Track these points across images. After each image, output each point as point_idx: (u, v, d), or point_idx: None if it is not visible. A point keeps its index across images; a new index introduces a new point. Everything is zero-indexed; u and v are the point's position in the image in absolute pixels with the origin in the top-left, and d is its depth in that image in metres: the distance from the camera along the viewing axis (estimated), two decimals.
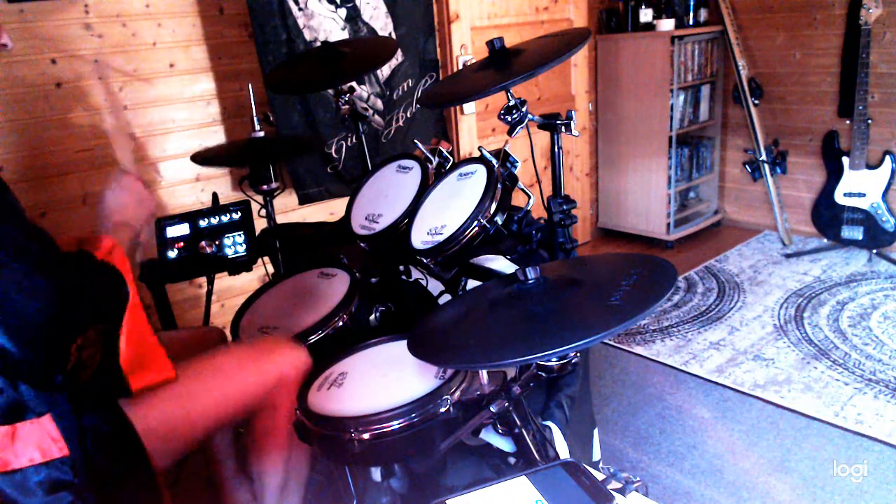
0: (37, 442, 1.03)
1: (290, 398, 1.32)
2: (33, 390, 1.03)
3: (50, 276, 0.95)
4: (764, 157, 3.93)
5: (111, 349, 1.10)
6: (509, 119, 1.54)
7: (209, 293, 2.16)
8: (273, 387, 1.36)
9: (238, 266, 2.01)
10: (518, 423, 1.23)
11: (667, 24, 3.75)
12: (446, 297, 1.75)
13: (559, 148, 1.62)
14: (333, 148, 2.92)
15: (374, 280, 1.78)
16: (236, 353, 1.40)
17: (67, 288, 0.97)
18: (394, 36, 2.98)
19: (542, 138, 3.01)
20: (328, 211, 3.04)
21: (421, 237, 1.54)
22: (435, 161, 1.78)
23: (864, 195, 3.49)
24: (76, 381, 1.02)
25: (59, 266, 0.99)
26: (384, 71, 3.00)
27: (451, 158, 1.79)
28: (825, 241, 3.76)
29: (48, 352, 0.97)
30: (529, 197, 1.59)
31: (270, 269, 2.18)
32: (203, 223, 1.96)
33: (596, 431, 1.92)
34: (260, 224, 2.09)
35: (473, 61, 2.66)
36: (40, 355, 0.97)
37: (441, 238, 1.47)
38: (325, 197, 2.95)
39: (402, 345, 1.32)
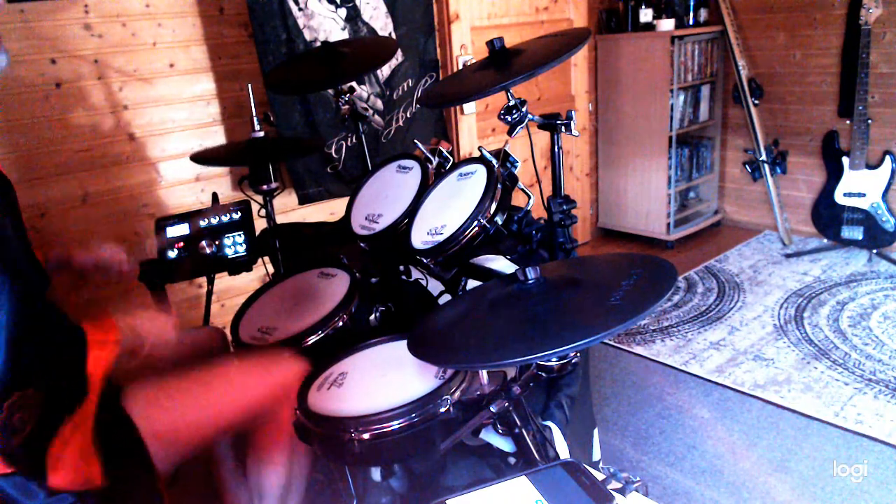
0: None
1: (292, 411, 1.33)
2: None
3: (19, 318, 0.90)
4: (764, 157, 3.93)
5: (46, 429, 1.01)
6: (509, 119, 1.54)
7: (209, 293, 2.15)
8: (277, 399, 1.36)
9: (238, 266, 2.01)
10: (518, 423, 1.23)
11: (667, 24, 3.75)
12: (446, 297, 1.75)
13: (559, 148, 1.62)
14: (333, 148, 2.92)
15: (374, 280, 1.78)
16: (243, 363, 1.41)
17: (23, 334, 0.92)
18: (394, 36, 2.98)
19: (542, 138, 3.01)
20: (328, 211, 3.04)
21: (421, 237, 1.54)
22: (435, 161, 1.78)
23: (864, 195, 3.49)
24: (6, 441, 0.93)
25: (33, 314, 0.94)
26: (384, 71, 3.00)
27: (451, 158, 1.79)
28: (825, 241, 3.76)
29: None
30: (529, 197, 1.58)
31: (270, 269, 2.18)
32: (203, 223, 1.96)
33: (596, 431, 1.92)
34: (260, 224, 2.09)
35: (473, 61, 2.66)
36: None
37: (441, 238, 1.47)
38: (325, 197, 2.95)
39: (402, 345, 1.32)
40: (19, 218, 1.07)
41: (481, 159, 1.58)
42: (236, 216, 2.00)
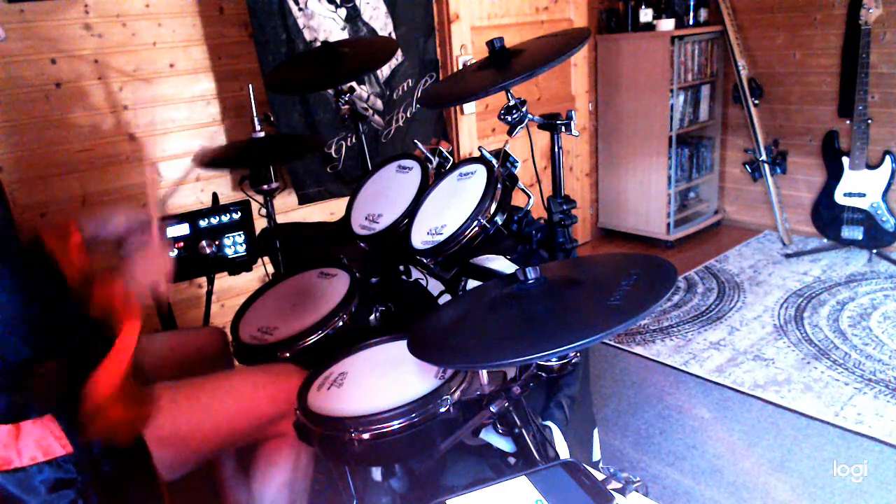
0: (39, 440, 1.03)
1: None
2: None
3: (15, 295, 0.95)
4: (764, 157, 3.93)
5: (74, 390, 1.08)
6: (509, 119, 1.54)
7: (209, 293, 2.16)
8: (283, 414, 1.36)
9: (238, 266, 2.01)
10: (518, 423, 1.23)
11: (667, 24, 3.75)
12: (446, 297, 1.75)
13: (559, 148, 1.62)
14: (333, 148, 2.92)
15: (374, 280, 1.78)
16: (251, 375, 1.42)
17: (35, 316, 0.97)
18: (394, 36, 2.98)
19: (542, 138, 3.01)
20: (328, 211, 3.04)
21: (421, 237, 1.54)
22: (435, 161, 1.78)
23: (864, 195, 3.49)
24: (44, 399, 1.01)
25: (30, 289, 0.98)
26: (384, 71, 3.00)
27: (451, 158, 1.79)
28: (825, 241, 3.76)
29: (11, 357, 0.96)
30: (529, 197, 1.58)
31: (270, 269, 2.18)
32: (203, 223, 1.96)
33: (596, 431, 1.92)
34: (260, 224, 2.09)
35: (473, 61, 2.66)
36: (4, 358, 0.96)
37: (441, 238, 1.47)
38: (325, 197, 2.95)
39: (402, 345, 1.32)
40: (8, 208, 1.08)
41: (481, 159, 1.58)
42: (236, 216, 2.00)
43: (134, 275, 1.22)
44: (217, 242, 1.96)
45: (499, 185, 1.49)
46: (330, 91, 2.73)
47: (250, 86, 2.09)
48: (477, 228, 1.45)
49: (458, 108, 3.31)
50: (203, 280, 2.51)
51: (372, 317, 1.63)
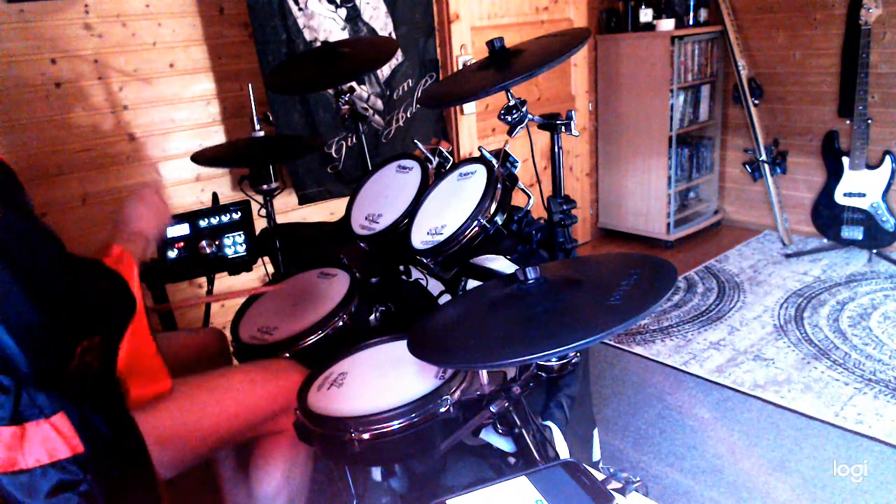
0: (44, 442, 1.03)
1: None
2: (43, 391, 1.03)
3: (58, 277, 0.95)
4: (764, 157, 3.93)
5: (111, 357, 1.11)
6: (509, 119, 1.54)
7: (209, 293, 2.16)
8: (281, 410, 1.37)
9: (238, 266, 2.01)
10: (518, 423, 1.23)
11: (667, 24, 3.75)
12: (446, 297, 1.75)
13: (559, 148, 1.62)
14: (333, 148, 2.92)
15: (374, 280, 1.78)
16: (249, 373, 1.41)
17: (75, 290, 0.98)
18: (394, 36, 2.98)
19: (542, 138, 3.01)
20: (328, 211, 3.04)
21: (421, 237, 1.54)
22: (435, 161, 1.78)
23: (864, 195, 3.49)
24: (78, 385, 1.02)
25: (69, 268, 0.99)
26: (384, 71, 3.00)
27: (451, 158, 1.79)
28: (825, 241, 3.76)
29: (50, 353, 0.97)
30: (529, 197, 1.59)
31: (270, 269, 2.18)
32: (203, 223, 1.96)
33: (596, 431, 1.92)
34: (260, 224, 2.09)
35: (473, 61, 2.66)
36: (42, 356, 0.97)
37: (441, 238, 1.47)
38: (325, 197, 2.95)
39: (402, 345, 1.32)
40: (21, 201, 1.08)
41: (481, 159, 1.58)
42: (236, 216, 2.00)
43: (139, 218, 1.31)
44: (217, 242, 1.96)
45: (499, 185, 1.49)
46: (330, 91, 2.73)
47: (250, 86, 2.09)
48: (477, 228, 1.45)
49: (458, 108, 3.31)
50: (203, 280, 2.51)
51: (372, 317, 1.63)
